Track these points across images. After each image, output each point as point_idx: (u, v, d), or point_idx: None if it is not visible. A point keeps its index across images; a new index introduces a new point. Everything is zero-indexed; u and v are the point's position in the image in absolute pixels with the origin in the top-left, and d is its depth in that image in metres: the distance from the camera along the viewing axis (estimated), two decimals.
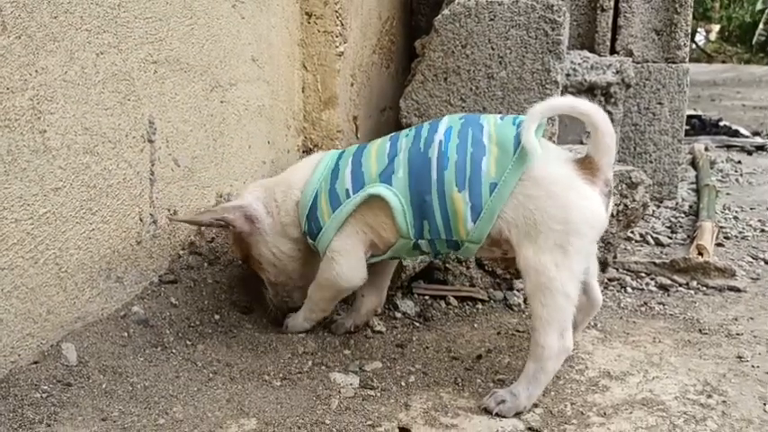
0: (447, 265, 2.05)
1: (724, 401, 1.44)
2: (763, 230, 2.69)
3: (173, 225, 1.82)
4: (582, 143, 2.78)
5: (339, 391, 1.45)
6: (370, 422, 1.34)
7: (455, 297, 1.93)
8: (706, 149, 4.17)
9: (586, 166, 1.40)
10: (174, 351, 1.57)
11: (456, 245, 1.50)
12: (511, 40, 2.36)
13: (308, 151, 2.51)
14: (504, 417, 1.36)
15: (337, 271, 1.57)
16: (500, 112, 2.41)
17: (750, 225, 2.76)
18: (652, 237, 2.51)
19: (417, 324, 1.80)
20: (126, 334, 1.56)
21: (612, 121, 2.78)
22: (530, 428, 1.33)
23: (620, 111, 2.84)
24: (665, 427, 1.34)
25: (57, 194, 1.45)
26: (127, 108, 1.63)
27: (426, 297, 1.93)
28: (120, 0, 1.57)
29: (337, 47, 2.40)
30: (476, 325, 1.81)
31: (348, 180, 1.55)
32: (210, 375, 1.50)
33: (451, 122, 1.51)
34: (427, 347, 1.68)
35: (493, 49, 2.38)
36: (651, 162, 3.04)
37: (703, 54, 12.98)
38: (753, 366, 1.59)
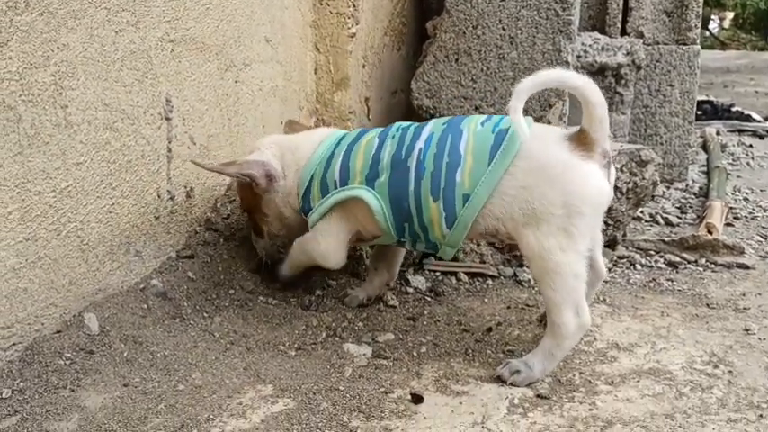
0: None
1: (730, 371, 1.46)
2: None
3: (189, 202, 1.86)
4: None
5: (353, 361, 1.49)
6: (382, 389, 1.37)
7: (466, 273, 1.96)
8: (717, 134, 4.17)
9: (581, 140, 1.39)
10: (191, 322, 1.61)
11: (435, 246, 1.56)
12: (522, 21, 2.37)
13: None
14: (516, 386, 1.39)
15: (317, 249, 1.65)
16: (511, 93, 2.43)
17: (760, 206, 2.77)
18: (662, 217, 2.53)
19: (429, 299, 1.84)
20: (145, 306, 1.60)
21: (623, 102, 2.81)
22: (539, 395, 1.37)
23: (631, 92, 2.85)
24: (671, 395, 1.36)
25: (78, 169, 1.49)
26: (145, 86, 1.66)
27: (437, 273, 1.96)
28: None
29: (349, 28, 2.42)
30: (486, 300, 1.84)
31: (337, 172, 1.59)
32: (228, 345, 1.54)
33: (434, 129, 1.53)
34: (438, 320, 1.71)
35: (504, 29, 2.40)
36: (662, 144, 3.04)
37: (717, 41, 12.87)
38: (759, 339, 1.61)
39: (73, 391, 1.32)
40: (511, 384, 1.40)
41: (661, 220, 2.51)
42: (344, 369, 1.45)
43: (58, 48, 1.41)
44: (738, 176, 3.33)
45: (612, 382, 1.42)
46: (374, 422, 1.26)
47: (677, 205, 2.71)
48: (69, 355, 1.40)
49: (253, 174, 1.67)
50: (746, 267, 2.06)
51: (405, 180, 1.50)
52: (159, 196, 1.76)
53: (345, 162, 1.59)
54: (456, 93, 2.50)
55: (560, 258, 1.37)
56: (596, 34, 2.85)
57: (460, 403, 1.34)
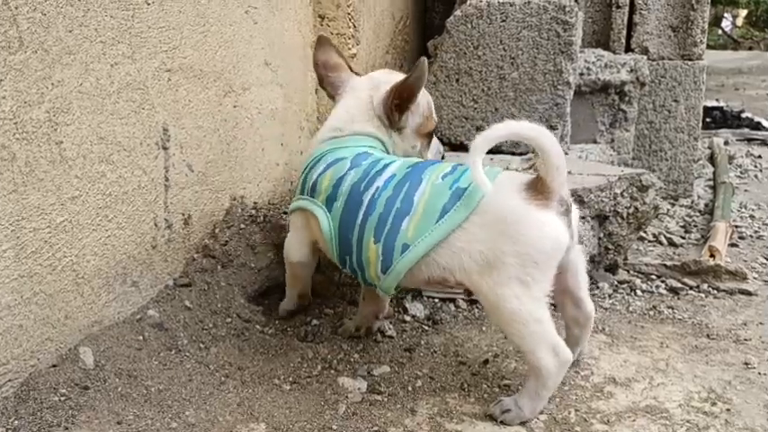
0: None
1: (728, 409, 1.45)
2: None
3: (187, 229, 1.87)
4: (595, 142, 2.78)
5: (347, 396, 1.49)
6: (376, 428, 1.37)
7: (464, 300, 1.95)
8: (726, 143, 4.14)
9: (539, 188, 1.37)
10: (187, 354, 1.61)
11: (372, 284, 1.56)
12: (523, 41, 2.36)
13: None
14: (507, 425, 1.38)
15: (286, 241, 1.73)
16: (512, 113, 2.42)
17: (766, 224, 2.74)
18: (665, 236, 2.51)
19: (426, 327, 1.83)
20: (141, 337, 1.61)
21: (626, 119, 2.79)
22: None
23: (635, 109, 2.83)
24: None
25: (73, 203, 1.50)
26: (141, 116, 1.67)
27: (436, 300, 1.96)
28: (133, 11, 1.61)
29: (350, 49, 2.42)
30: (484, 328, 1.83)
31: (312, 178, 1.62)
32: (222, 379, 1.54)
33: (397, 170, 1.52)
34: (435, 351, 1.70)
35: (505, 50, 2.39)
36: (666, 160, 3.02)
37: (730, 40, 12.78)
38: (759, 373, 1.60)
39: (67, 429, 1.32)
40: (502, 423, 1.39)
41: (664, 240, 2.49)
42: (338, 406, 1.45)
43: (52, 84, 1.42)
44: (746, 190, 3.31)
45: (608, 421, 1.41)
46: None
47: (681, 224, 2.69)
48: (64, 390, 1.40)
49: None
50: (749, 293, 2.04)
51: (355, 213, 1.51)
52: (156, 225, 1.76)
53: (322, 172, 1.61)
54: (457, 113, 2.50)
55: (516, 307, 1.35)
56: (600, 51, 2.83)
57: None
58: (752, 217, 2.84)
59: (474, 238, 1.38)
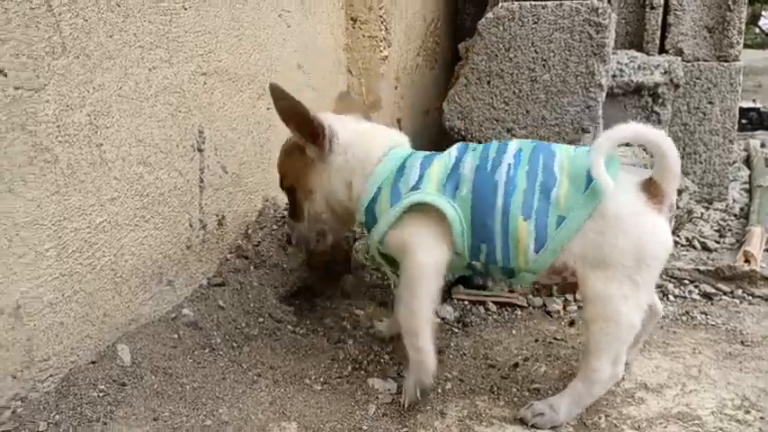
0: None
1: (762, 417, 1.43)
2: None
3: (221, 230, 1.90)
4: (628, 145, 2.75)
5: (377, 397, 1.50)
6: (405, 429, 1.38)
7: (494, 303, 1.95)
8: (762, 146, 4.06)
9: (653, 192, 1.37)
10: (221, 353, 1.64)
11: (512, 272, 1.45)
12: (554, 43, 2.35)
13: None
14: (538, 429, 1.39)
15: (415, 260, 1.43)
16: (543, 116, 2.41)
17: None
18: (699, 241, 2.47)
19: (456, 330, 1.84)
20: (176, 336, 1.64)
21: (660, 122, 2.76)
22: None
23: (669, 111, 2.79)
24: None
25: (113, 204, 1.54)
26: (178, 119, 1.70)
27: (465, 302, 1.96)
28: (171, 16, 1.64)
29: (381, 51, 2.44)
30: (514, 331, 1.83)
31: (412, 179, 1.47)
32: (255, 378, 1.57)
33: (521, 145, 1.46)
34: (465, 354, 1.71)
35: (536, 52, 2.38)
36: (701, 163, 2.98)
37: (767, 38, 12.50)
38: None
39: (105, 424, 1.36)
40: (533, 426, 1.39)
41: (698, 245, 2.45)
42: (368, 406, 1.46)
43: (93, 88, 1.46)
44: None
45: (639, 427, 1.40)
46: None
47: (716, 228, 2.65)
48: (103, 387, 1.44)
49: (319, 120, 1.53)
50: None
51: (491, 194, 1.40)
52: (191, 225, 1.79)
53: (422, 171, 1.48)
54: (488, 115, 2.50)
55: (622, 307, 1.35)
56: (633, 52, 2.80)
57: None
58: None
59: (598, 227, 1.36)
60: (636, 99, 2.70)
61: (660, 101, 2.75)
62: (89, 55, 1.44)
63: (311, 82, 2.26)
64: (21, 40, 1.26)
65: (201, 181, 1.82)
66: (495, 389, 1.55)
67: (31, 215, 1.32)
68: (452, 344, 1.76)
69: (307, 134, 1.57)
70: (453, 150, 1.52)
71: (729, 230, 2.62)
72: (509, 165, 1.42)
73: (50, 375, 1.43)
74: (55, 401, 1.38)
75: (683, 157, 3.02)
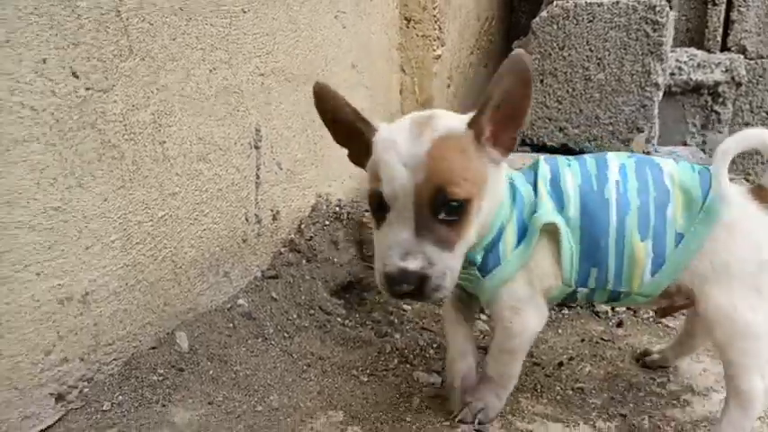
0: None
1: None
2: None
3: (275, 224, 1.97)
4: (686, 144, 2.71)
5: (421, 390, 1.54)
6: (447, 423, 1.42)
7: None
8: None
9: (763, 197, 1.30)
10: (273, 342, 1.71)
11: (619, 296, 1.35)
12: (610, 42, 2.33)
13: None
14: None
15: (530, 323, 1.34)
16: (597, 115, 2.40)
17: None
18: None
19: None
20: (231, 325, 1.72)
21: (720, 121, 2.70)
22: None
23: (729, 110, 2.73)
24: None
25: (174, 198, 1.62)
26: (236, 118, 1.78)
27: None
28: (230, 19, 1.71)
29: (435, 50, 2.47)
30: (560, 330, 1.84)
31: (528, 198, 1.33)
32: (304, 368, 1.63)
33: (620, 158, 1.35)
34: None
35: (591, 50, 2.36)
36: (762, 163, 2.90)
37: None
38: None
39: (164, 406, 1.44)
40: None
41: None
42: (413, 399, 1.50)
43: (157, 89, 1.54)
44: None
45: (682, 429, 1.40)
46: None
47: None
48: (162, 371, 1.53)
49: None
50: None
51: (603, 214, 1.29)
52: (247, 220, 1.87)
53: (533, 188, 1.33)
54: (541, 113, 2.50)
55: (751, 319, 1.25)
56: (693, 50, 2.75)
57: None
58: None
59: (717, 238, 1.28)
60: (695, 98, 2.65)
61: (720, 100, 2.69)
62: (154, 57, 1.52)
63: (364, 81, 2.31)
64: (91, 44, 1.35)
65: (257, 177, 1.89)
66: (539, 387, 1.57)
67: (98, 208, 1.41)
68: None
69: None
70: (543, 166, 1.36)
71: None
72: (616, 181, 1.31)
73: (114, 359, 1.52)
74: (118, 383, 1.47)
75: (743, 158, 2.95)
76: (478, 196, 1.18)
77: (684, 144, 2.65)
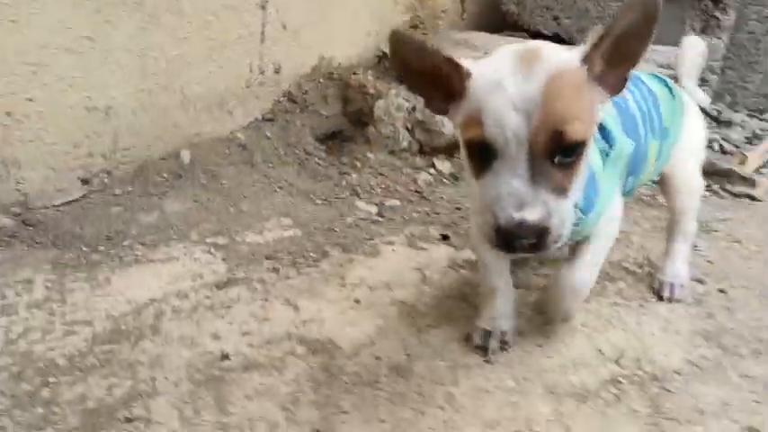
0: None
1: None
2: None
3: (276, 77, 2.36)
4: None
5: (355, 214, 1.96)
6: (367, 236, 1.84)
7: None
8: None
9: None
10: (257, 168, 2.16)
11: (632, 190, 1.51)
12: None
13: (414, 27, 2.88)
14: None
15: (618, 224, 1.40)
16: (586, 8, 2.59)
17: None
18: (719, 144, 2.62)
19: (446, 181, 2.23)
20: (227, 151, 2.17)
21: (719, 27, 2.83)
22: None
23: (730, 18, 2.83)
24: None
25: (185, 43, 2.03)
26: None
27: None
28: None
29: None
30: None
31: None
32: (276, 189, 2.08)
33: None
34: (449, 201, 2.11)
35: None
36: (760, 73, 3.01)
37: None
38: None
39: (160, 199, 1.92)
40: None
41: (716, 147, 2.61)
42: (346, 218, 1.93)
43: None
44: None
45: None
46: (347, 254, 1.74)
47: (748, 135, 2.76)
48: (165, 175, 2.01)
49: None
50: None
51: (638, 129, 1.41)
52: (251, 70, 2.27)
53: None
54: (539, 2, 2.71)
55: (698, 178, 1.64)
56: None
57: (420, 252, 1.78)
58: None
59: (685, 127, 1.57)
60: (694, 1, 2.77)
61: (721, 5, 2.80)
62: None
63: None
64: None
65: (263, 34, 2.26)
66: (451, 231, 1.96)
67: (120, 42, 1.84)
68: (438, 193, 2.16)
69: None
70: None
71: (759, 139, 2.72)
72: (632, 92, 1.42)
73: (130, 161, 2.00)
74: (130, 179, 1.96)
75: (743, 66, 3.06)
76: (592, 137, 1.10)
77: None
